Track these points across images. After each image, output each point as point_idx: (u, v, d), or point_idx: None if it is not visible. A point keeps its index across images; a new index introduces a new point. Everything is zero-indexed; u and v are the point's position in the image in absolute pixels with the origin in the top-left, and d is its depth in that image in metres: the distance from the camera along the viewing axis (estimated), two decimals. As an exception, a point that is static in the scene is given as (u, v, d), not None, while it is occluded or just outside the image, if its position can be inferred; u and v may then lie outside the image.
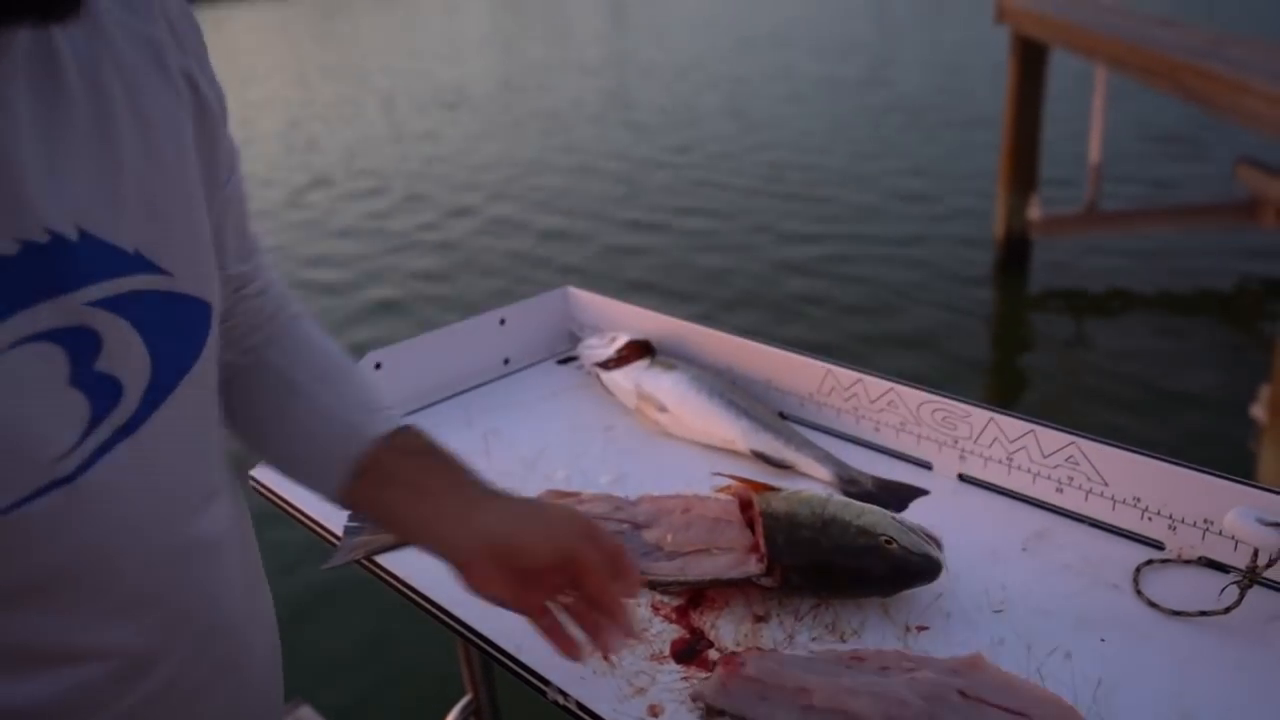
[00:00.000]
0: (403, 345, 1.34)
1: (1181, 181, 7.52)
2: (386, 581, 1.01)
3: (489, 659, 0.92)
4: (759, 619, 0.92)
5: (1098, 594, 0.93)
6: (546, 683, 0.86)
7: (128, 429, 0.59)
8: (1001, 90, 6.65)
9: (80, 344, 0.56)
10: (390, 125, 11.33)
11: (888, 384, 1.17)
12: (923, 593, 0.94)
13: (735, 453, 1.20)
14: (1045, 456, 1.05)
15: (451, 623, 0.95)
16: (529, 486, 1.15)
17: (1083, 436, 1.02)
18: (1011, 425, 1.07)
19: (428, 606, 0.97)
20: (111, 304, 0.57)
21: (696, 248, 6.91)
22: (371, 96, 13.13)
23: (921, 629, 0.90)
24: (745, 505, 1.01)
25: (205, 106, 0.66)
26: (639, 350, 1.35)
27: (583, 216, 7.69)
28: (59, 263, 0.54)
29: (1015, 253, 6.43)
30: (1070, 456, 1.03)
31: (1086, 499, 1.02)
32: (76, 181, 0.56)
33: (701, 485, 1.14)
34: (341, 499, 0.79)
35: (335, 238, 7.57)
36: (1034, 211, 6.31)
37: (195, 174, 0.65)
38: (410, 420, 0.82)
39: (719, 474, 1.10)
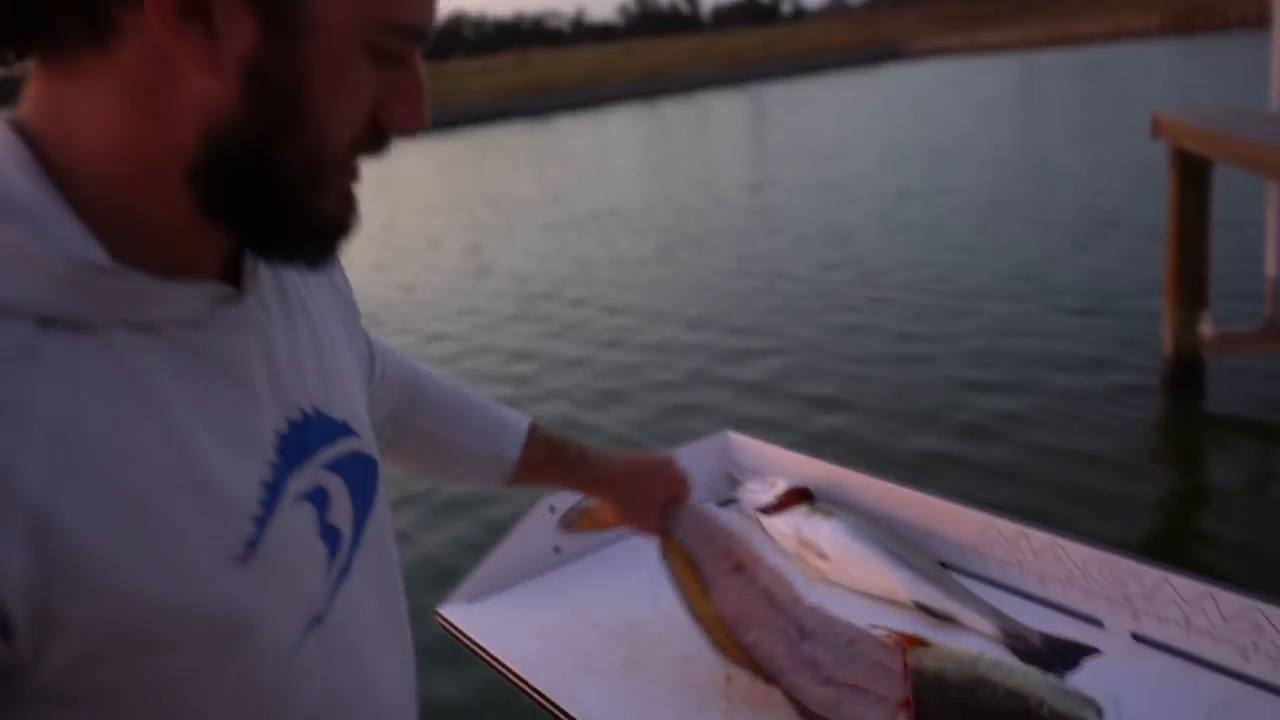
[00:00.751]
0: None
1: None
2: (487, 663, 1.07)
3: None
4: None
5: (1293, 773, 0.89)
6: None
7: (346, 569, 0.68)
8: (1163, 202, 6.46)
9: (320, 501, 0.66)
10: (550, 248, 11.93)
11: (1051, 537, 1.17)
12: (1099, 761, 0.92)
13: (897, 603, 1.22)
14: (1226, 620, 1.02)
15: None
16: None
17: (1267, 601, 0.99)
18: (1187, 586, 1.05)
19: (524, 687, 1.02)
20: (333, 466, 0.68)
21: (851, 364, 6.89)
22: (530, 220, 13.90)
23: (1100, 801, 0.88)
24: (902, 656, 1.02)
25: (350, 304, 0.82)
26: (798, 496, 1.40)
27: (748, 336, 7.83)
28: (306, 435, 0.65)
29: (1186, 371, 6.10)
30: (1254, 622, 1.00)
31: (1277, 668, 0.99)
32: (307, 370, 0.68)
33: (864, 636, 1.16)
34: (505, 488, 1.12)
35: (505, 360, 7.94)
36: (1206, 328, 6.01)
37: (353, 355, 0.79)
38: (528, 418, 1.12)
39: (876, 626, 1.12)
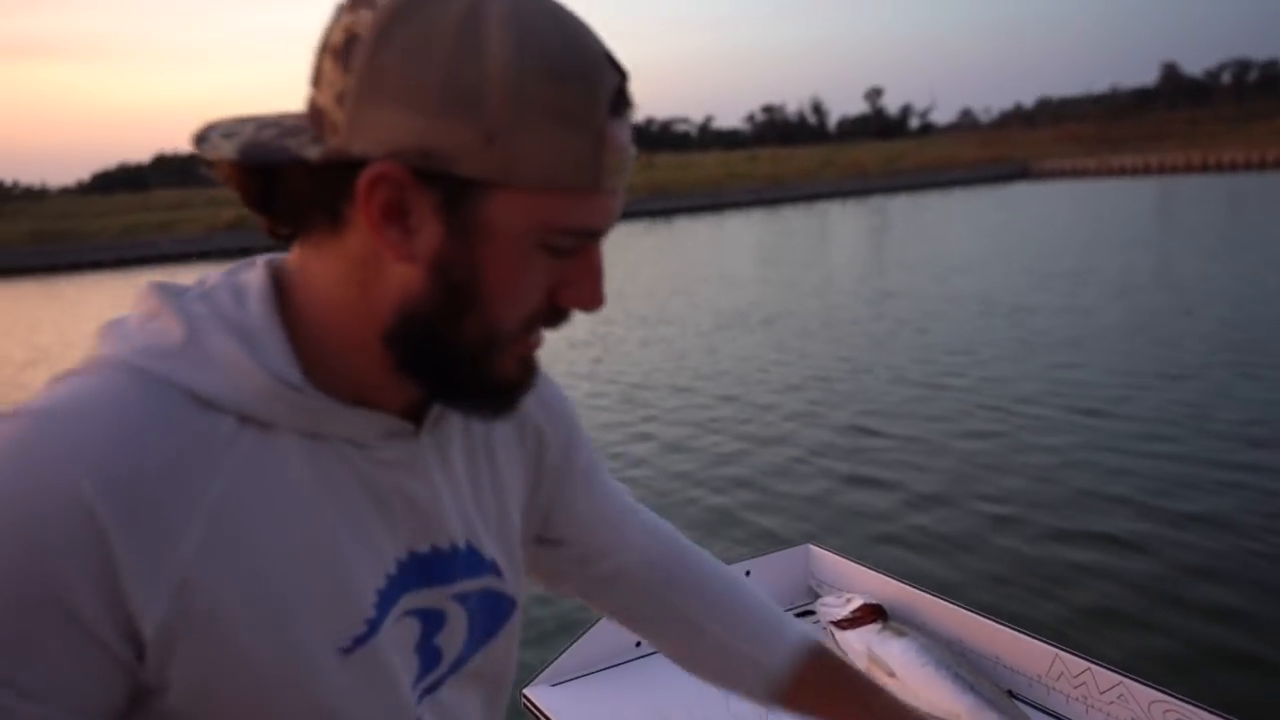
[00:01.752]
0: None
1: None
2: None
3: None
4: None
5: None
6: None
7: (434, 688, 0.75)
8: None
9: (431, 621, 0.74)
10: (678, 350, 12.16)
11: (1117, 677, 1.20)
12: None
13: (961, 726, 1.26)
14: (1286, 776, 1.03)
15: None
16: (762, 734, 1.26)
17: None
18: (1247, 738, 1.07)
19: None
20: (462, 597, 0.76)
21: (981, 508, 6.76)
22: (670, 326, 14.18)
23: None
24: None
25: (559, 449, 0.89)
26: (872, 613, 1.45)
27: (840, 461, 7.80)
28: (449, 563, 0.75)
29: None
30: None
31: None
32: (467, 508, 0.77)
33: (925, 755, 1.21)
34: (779, 704, 0.94)
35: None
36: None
37: (519, 509, 0.86)
38: (807, 633, 0.95)
39: None
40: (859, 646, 1.41)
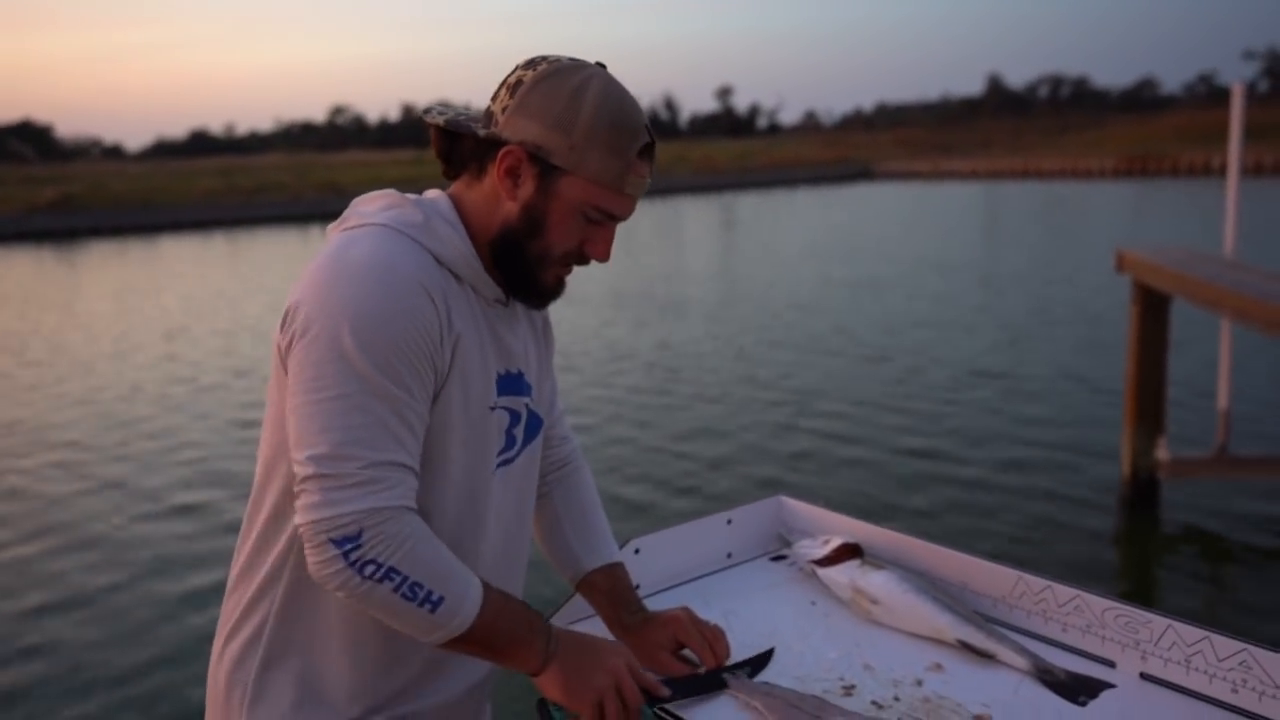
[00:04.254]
0: (657, 535, 1.65)
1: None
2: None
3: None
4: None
5: (1277, 778, 1.11)
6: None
7: (509, 461, 1.31)
8: (1121, 330, 6.90)
9: (513, 417, 1.30)
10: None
11: (1075, 590, 1.40)
12: (1123, 764, 1.14)
13: (942, 642, 1.44)
14: (1220, 660, 1.25)
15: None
16: (774, 660, 1.40)
17: (1254, 644, 1.23)
18: (1188, 631, 1.28)
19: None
20: (526, 407, 1.33)
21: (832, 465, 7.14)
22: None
23: (1126, 792, 1.10)
24: None
25: (551, 336, 1.45)
26: (850, 552, 1.62)
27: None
28: (520, 382, 1.31)
29: (1143, 493, 6.44)
30: (1243, 661, 1.23)
31: (1260, 700, 1.22)
32: (531, 360, 1.35)
33: (916, 665, 1.38)
34: (573, 588, 1.49)
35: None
36: (1162, 453, 6.37)
37: (543, 365, 1.41)
38: (619, 561, 1.47)
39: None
40: (843, 580, 1.57)
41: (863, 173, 61.00)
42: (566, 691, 1.20)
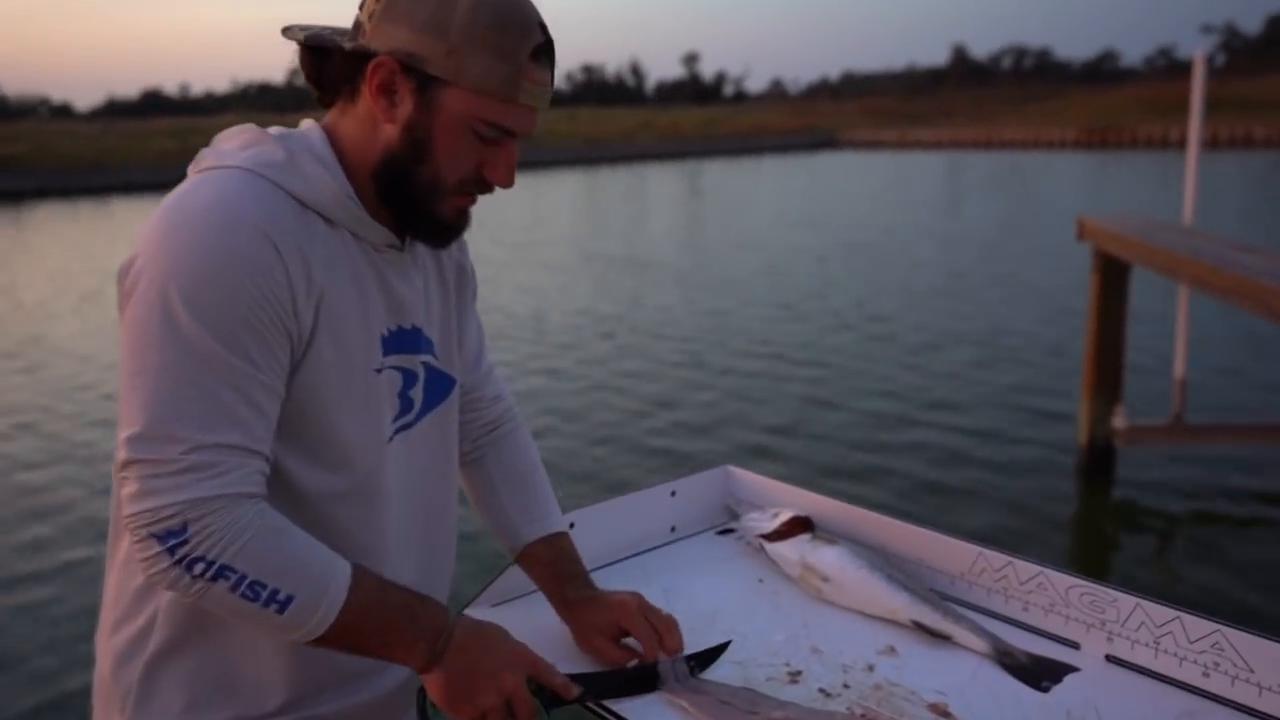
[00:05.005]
0: (593, 508, 1.53)
1: (1274, 393, 7.55)
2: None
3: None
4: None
5: (1252, 771, 1.03)
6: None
7: (407, 427, 1.17)
8: (1083, 299, 6.88)
9: (408, 379, 1.16)
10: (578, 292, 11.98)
11: (1037, 568, 1.31)
12: (1088, 756, 1.05)
13: (896, 622, 1.34)
14: (1191, 642, 1.17)
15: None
16: (712, 639, 1.30)
17: (1227, 625, 1.14)
18: (1158, 611, 1.19)
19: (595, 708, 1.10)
20: (425, 365, 1.18)
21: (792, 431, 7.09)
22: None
23: (1091, 788, 1.00)
24: None
25: (469, 282, 1.30)
26: (800, 525, 1.51)
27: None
28: (416, 339, 1.16)
29: (1099, 460, 6.46)
30: (1216, 643, 1.14)
31: (1233, 684, 1.13)
32: (432, 311, 1.20)
33: (868, 648, 1.28)
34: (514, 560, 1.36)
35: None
36: (1118, 421, 6.38)
37: (456, 316, 1.25)
38: (562, 530, 1.34)
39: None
40: (792, 556, 1.46)
41: (827, 141, 60.95)
42: (448, 700, 1.07)
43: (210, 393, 0.95)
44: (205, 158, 1.06)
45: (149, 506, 0.94)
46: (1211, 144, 41.52)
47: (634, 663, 1.22)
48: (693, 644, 1.28)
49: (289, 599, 0.96)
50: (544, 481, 1.38)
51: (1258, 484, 6.21)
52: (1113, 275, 6.42)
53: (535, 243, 17.15)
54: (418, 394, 1.17)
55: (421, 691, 1.11)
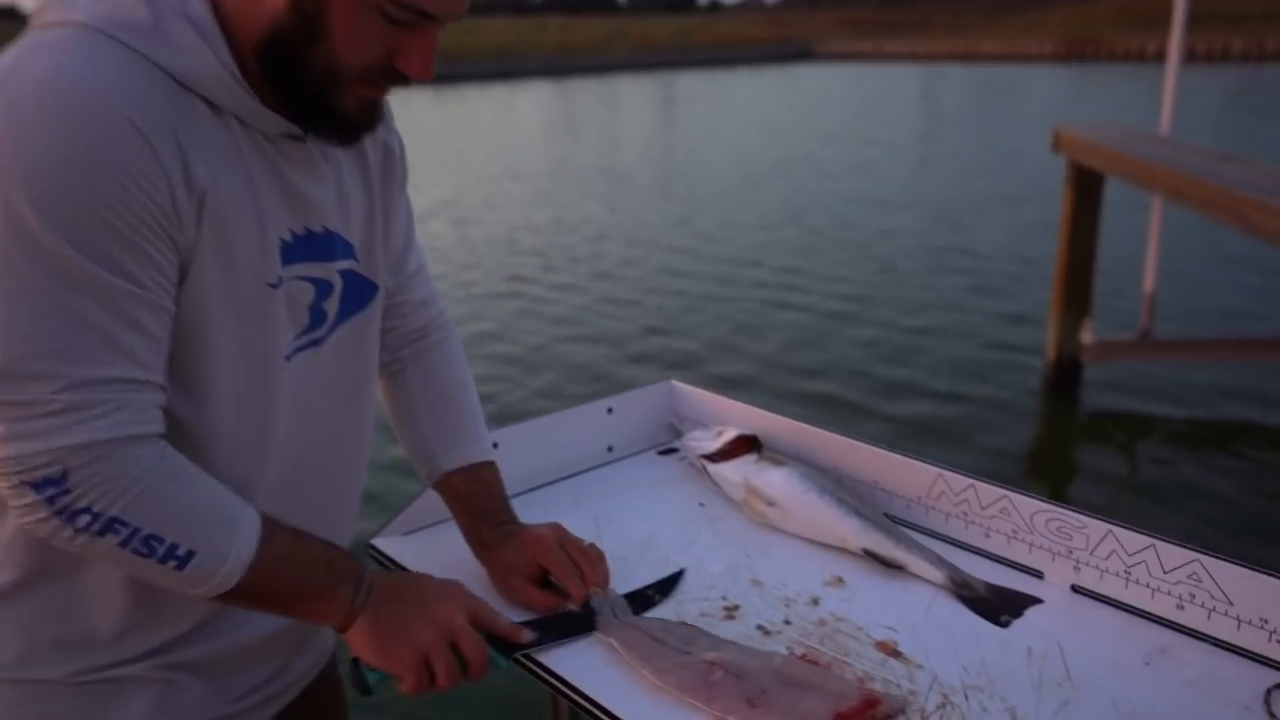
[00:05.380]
0: (520, 427, 1.39)
1: (1241, 310, 7.53)
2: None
3: (580, 713, 0.95)
4: None
5: (1229, 715, 0.93)
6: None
7: (316, 342, 0.99)
8: (1055, 214, 6.76)
9: (321, 288, 0.97)
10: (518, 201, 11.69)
11: (1001, 491, 1.19)
12: (1050, 700, 0.94)
13: (846, 550, 1.22)
14: (1166, 572, 1.06)
15: (547, 675, 0.98)
16: (644, 571, 1.18)
17: (1206, 554, 1.03)
18: (1131, 539, 1.08)
19: (550, 679, 0.99)
20: (342, 273, 0.99)
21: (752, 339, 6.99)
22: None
23: (1051, 737, 0.90)
24: (870, 704, 0.92)
25: (398, 166, 1.10)
26: (746, 445, 1.38)
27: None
28: (328, 243, 0.97)
29: (1066, 376, 6.42)
30: (1193, 574, 1.04)
31: (1209, 617, 1.03)
32: (343, 205, 0.99)
33: (814, 580, 1.16)
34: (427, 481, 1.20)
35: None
36: (1087, 336, 6.33)
37: (381, 211, 1.06)
38: (486, 460, 1.19)
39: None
40: (735, 478, 1.34)
41: (803, 53, 59.70)
42: (381, 652, 0.94)
43: (82, 318, 0.78)
44: (50, 6, 0.83)
45: (19, 453, 0.78)
46: (1189, 57, 41.07)
47: (570, 606, 1.08)
48: (622, 576, 1.15)
49: (189, 554, 0.84)
50: (472, 402, 1.22)
51: (1229, 402, 6.21)
52: (1086, 187, 6.28)
53: (501, 153, 16.72)
54: (332, 305, 0.99)
55: (355, 662, 0.95)
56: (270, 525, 0.89)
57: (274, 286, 0.91)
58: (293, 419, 0.98)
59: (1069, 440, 6.00)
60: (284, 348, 0.95)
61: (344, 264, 0.99)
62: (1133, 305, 6.68)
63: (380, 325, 1.10)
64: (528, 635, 1.00)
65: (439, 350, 1.22)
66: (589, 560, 1.11)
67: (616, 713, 0.93)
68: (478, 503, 1.17)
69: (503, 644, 0.99)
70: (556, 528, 1.14)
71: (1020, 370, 6.59)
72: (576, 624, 1.05)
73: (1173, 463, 5.49)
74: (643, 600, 1.11)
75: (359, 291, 1.03)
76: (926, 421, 5.77)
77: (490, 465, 1.20)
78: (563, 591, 1.09)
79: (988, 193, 12.81)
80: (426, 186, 13.29)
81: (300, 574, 0.91)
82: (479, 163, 16.10)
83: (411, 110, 25.61)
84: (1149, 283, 6.31)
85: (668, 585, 1.14)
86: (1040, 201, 11.45)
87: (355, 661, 0.95)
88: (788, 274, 8.98)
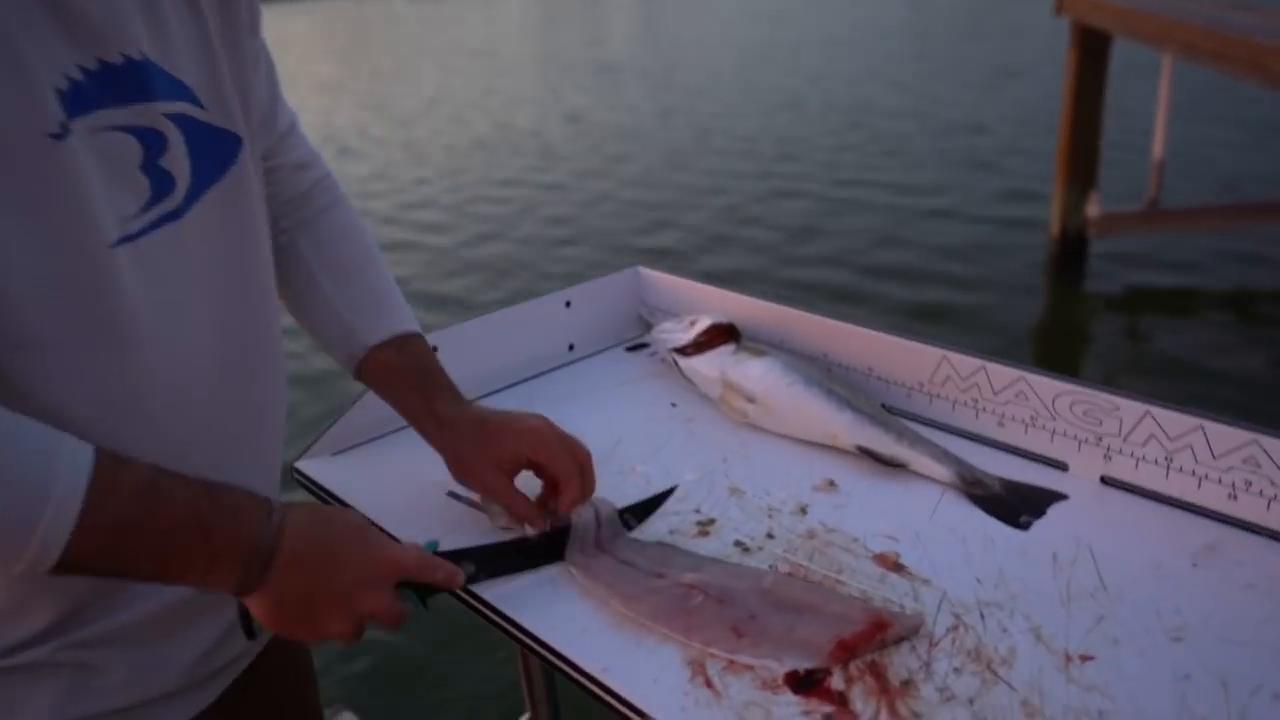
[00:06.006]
0: (463, 327, 1.21)
1: (1249, 178, 7.25)
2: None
3: (554, 672, 0.80)
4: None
5: (1297, 621, 0.78)
6: (641, 714, 0.72)
7: (175, 215, 0.76)
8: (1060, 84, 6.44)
9: (150, 142, 0.74)
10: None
11: (1017, 372, 1.02)
12: (1082, 615, 0.79)
13: (837, 448, 1.06)
14: (1216, 458, 0.89)
15: (515, 631, 0.82)
16: (606, 481, 1.02)
17: (1266, 433, 0.86)
18: (1174, 420, 0.91)
19: (488, 613, 0.84)
20: (176, 120, 0.76)
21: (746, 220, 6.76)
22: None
23: (1086, 659, 0.75)
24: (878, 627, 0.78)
25: (240, 2, 0.84)
26: (723, 335, 1.21)
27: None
28: (141, 78, 0.72)
29: (1071, 251, 6.21)
30: (1249, 457, 0.87)
31: (1269, 507, 0.87)
32: (168, 32, 0.76)
33: (801, 485, 1.00)
34: (359, 379, 0.99)
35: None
36: (1092, 209, 6.09)
37: (223, 47, 0.81)
38: (417, 332, 0.98)
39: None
40: (711, 373, 1.17)
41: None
42: (282, 628, 0.76)
43: None
44: None
45: None
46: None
47: (529, 532, 0.91)
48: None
49: None
50: (383, 273, 1.01)
51: (1240, 270, 6.00)
52: (1092, 50, 5.94)
53: (489, 53, 16.13)
54: (178, 165, 0.76)
55: (245, 612, 0.77)
56: (109, 468, 0.67)
57: (57, 137, 0.67)
58: (161, 319, 0.75)
59: (1078, 320, 5.82)
60: (108, 224, 0.71)
61: (174, 107, 0.75)
62: (1141, 176, 6.42)
63: (262, 191, 0.88)
64: (462, 578, 0.83)
65: (330, 216, 1.00)
66: (588, 458, 0.93)
67: (570, 655, 0.78)
68: (424, 375, 0.97)
69: (430, 587, 0.82)
70: (545, 419, 0.95)
71: (1024, 250, 6.37)
72: (542, 549, 0.89)
73: (1193, 338, 5.32)
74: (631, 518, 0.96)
75: (214, 145, 0.80)
76: (924, 307, 5.58)
77: (422, 338, 0.99)
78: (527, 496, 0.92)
79: (988, 66, 12.33)
80: (414, 89, 12.84)
81: (158, 538, 0.68)
82: (464, 64, 15.54)
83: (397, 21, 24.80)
84: (1157, 150, 6.04)
85: (647, 508, 0.98)
86: (1043, 71, 11.00)
87: (245, 612, 0.77)
88: (781, 161, 8.68)
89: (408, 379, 0.96)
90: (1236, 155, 7.90)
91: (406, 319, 0.98)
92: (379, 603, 0.76)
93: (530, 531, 0.91)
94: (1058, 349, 5.42)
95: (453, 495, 1.00)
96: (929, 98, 10.88)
